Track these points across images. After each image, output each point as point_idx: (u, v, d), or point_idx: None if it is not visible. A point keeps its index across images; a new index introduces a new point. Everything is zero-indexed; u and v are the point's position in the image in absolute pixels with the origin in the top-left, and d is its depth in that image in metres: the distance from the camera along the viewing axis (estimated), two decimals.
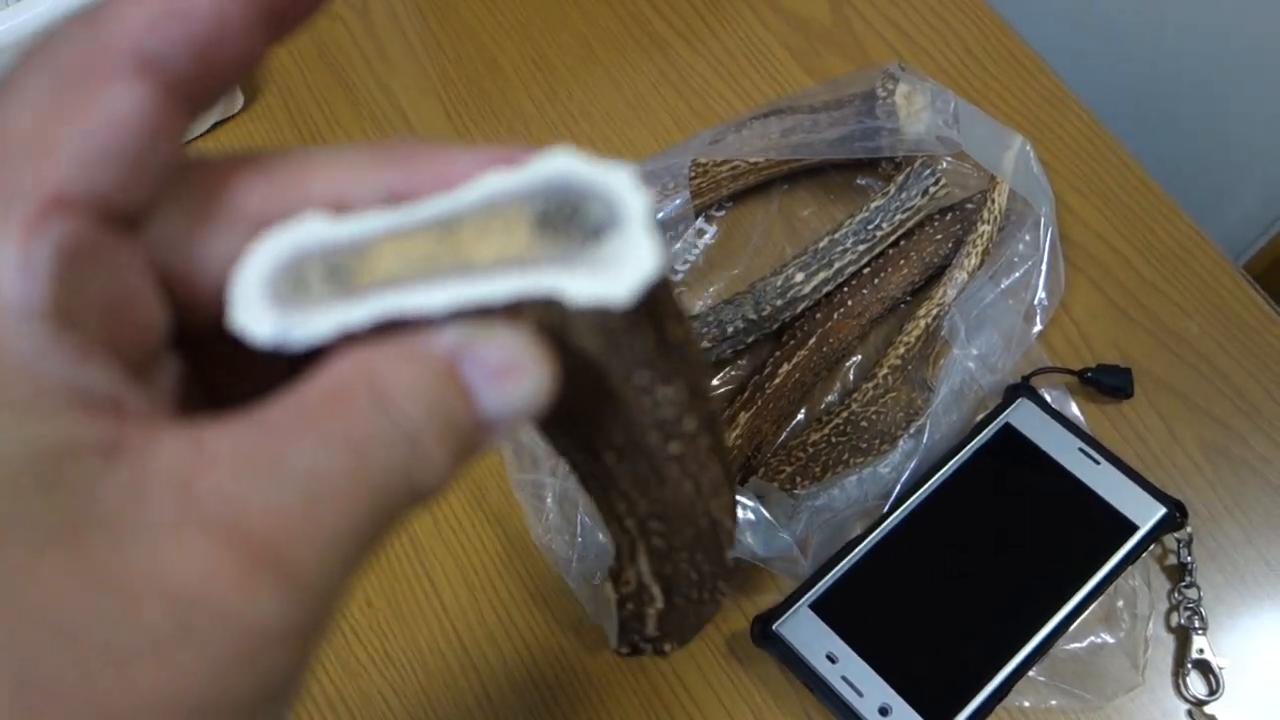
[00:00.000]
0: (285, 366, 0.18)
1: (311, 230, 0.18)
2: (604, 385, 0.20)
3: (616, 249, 0.17)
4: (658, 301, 0.19)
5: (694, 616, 0.29)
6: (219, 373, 0.20)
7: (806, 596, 0.50)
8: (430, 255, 0.18)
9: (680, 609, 0.28)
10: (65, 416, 0.16)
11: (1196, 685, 0.50)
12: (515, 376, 0.18)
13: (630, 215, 0.17)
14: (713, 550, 0.26)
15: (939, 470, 0.53)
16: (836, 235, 0.57)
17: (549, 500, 0.52)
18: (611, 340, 0.19)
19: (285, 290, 0.18)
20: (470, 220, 0.18)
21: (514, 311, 0.18)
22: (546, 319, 0.18)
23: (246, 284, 0.18)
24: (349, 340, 0.18)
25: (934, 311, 0.56)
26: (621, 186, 0.18)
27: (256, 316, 0.18)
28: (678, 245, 0.60)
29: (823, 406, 0.57)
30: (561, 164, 0.18)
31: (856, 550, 0.51)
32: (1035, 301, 0.57)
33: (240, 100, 0.68)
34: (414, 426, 0.17)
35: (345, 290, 0.18)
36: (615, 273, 0.17)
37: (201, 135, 0.67)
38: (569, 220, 0.18)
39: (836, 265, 0.56)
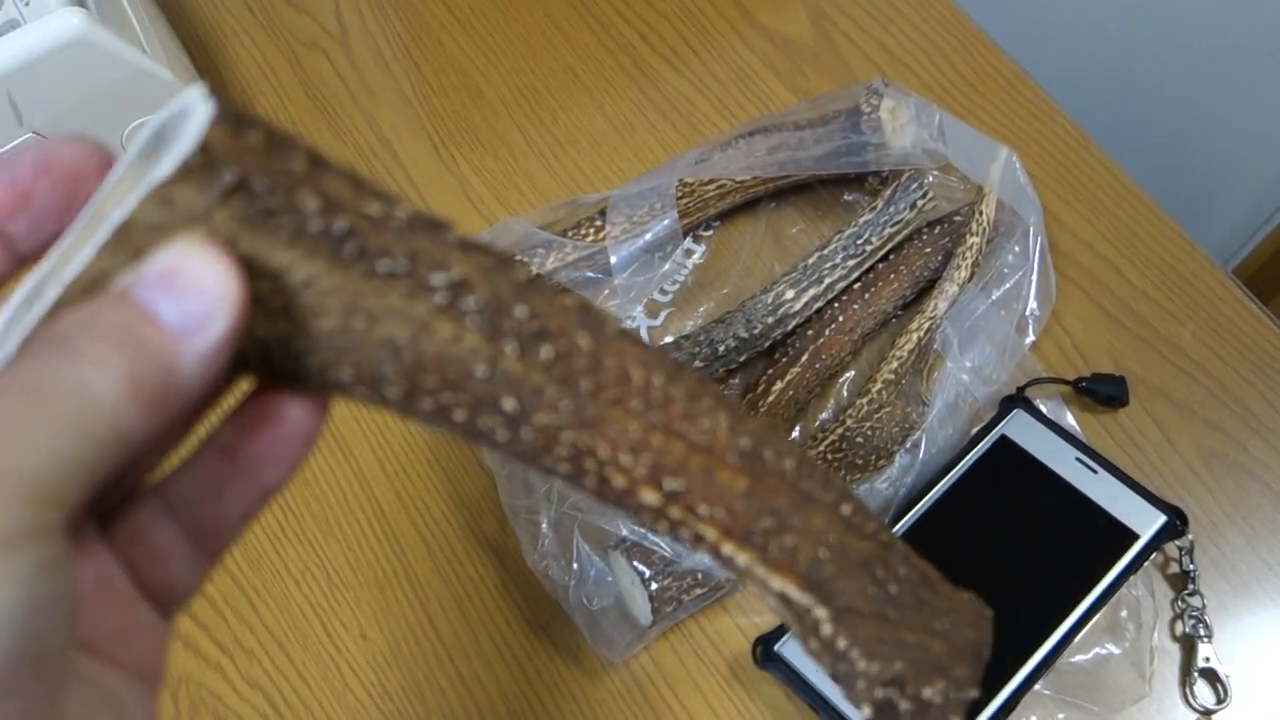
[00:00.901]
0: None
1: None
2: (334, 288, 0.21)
3: (184, 126, 0.19)
4: (261, 157, 0.20)
5: None
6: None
7: None
8: (82, 238, 0.21)
9: None
10: None
11: (1204, 694, 0.50)
12: (181, 279, 0.19)
13: (190, 104, 0.19)
14: None
15: (936, 484, 0.52)
16: (826, 251, 0.57)
17: (544, 525, 0.51)
18: (268, 222, 0.20)
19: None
20: (110, 202, 0.21)
21: (152, 230, 0.19)
22: (188, 218, 0.20)
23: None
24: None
25: (926, 325, 0.56)
26: (187, 103, 0.20)
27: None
28: (666, 266, 0.60)
29: (817, 424, 0.57)
30: (161, 116, 0.21)
31: None
32: (1027, 312, 0.57)
33: None
34: (88, 356, 0.19)
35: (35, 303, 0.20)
36: (183, 138, 0.19)
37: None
38: (158, 147, 0.20)
39: (827, 281, 0.56)
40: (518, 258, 0.25)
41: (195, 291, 0.19)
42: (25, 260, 0.22)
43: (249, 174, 0.19)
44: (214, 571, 0.24)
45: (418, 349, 0.22)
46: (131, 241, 0.20)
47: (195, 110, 0.19)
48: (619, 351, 0.23)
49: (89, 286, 0.20)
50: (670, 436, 0.24)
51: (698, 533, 0.25)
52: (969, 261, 0.56)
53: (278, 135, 0.20)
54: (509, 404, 0.22)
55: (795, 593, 0.26)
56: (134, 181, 0.20)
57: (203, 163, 0.19)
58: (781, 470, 0.25)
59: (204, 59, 0.71)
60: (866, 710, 0.27)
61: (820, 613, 0.26)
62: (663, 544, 0.48)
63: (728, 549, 0.25)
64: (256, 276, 0.20)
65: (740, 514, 0.25)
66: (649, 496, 0.24)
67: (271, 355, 0.21)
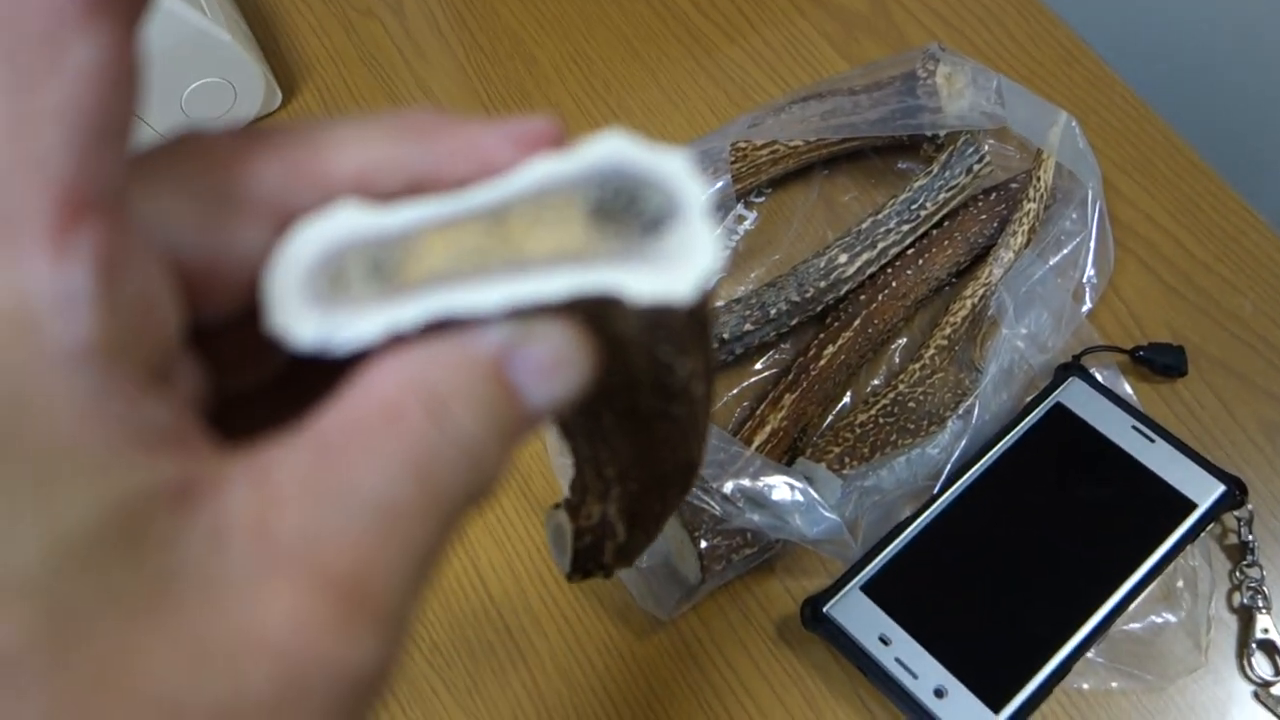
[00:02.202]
0: (291, 358, 0.18)
1: (350, 221, 0.17)
2: (625, 360, 0.19)
3: (677, 242, 0.16)
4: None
5: (645, 540, 0.29)
6: (227, 369, 0.19)
7: (857, 578, 0.49)
8: (480, 248, 0.17)
9: (638, 540, 0.28)
10: (132, 465, 0.14)
11: (1262, 666, 0.49)
12: (561, 371, 0.17)
13: (689, 205, 0.16)
14: (686, 483, 0.26)
15: (989, 450, 0.52)
16: (880, 216, 0.56)
17: None
18: (651, 325, 0.18)
19: (325, 288, 0.17)
20: (520, 210, 0.17)
21: (568, 308, 0.17)
22: (596, 310, 0.17)
23: (284, 282, 0.17)
24: (392, 341, 0.17)
25: (980, 291, 0.55)
26: (679, 173, 0.17)
27: (298, 318, 0.17)
28: (717, 231, 0.60)
29: (869, 389, 0.56)
30: (615, 148, 0.17)
31: (907, 531, 0.50)
32: (1084, 279, 0.56)
33: (279, 97, 0.68)
34: (472, 439, 0.16)
35: (390, 287, 0.17)
36: (677, 268, 0.16)
37: None
38: (625, 210, 0.17)
39: (880, 246, 0.56)
40: None
41: (566, 387, 0.18)
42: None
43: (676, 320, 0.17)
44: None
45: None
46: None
47: (690, 212, 0.16)
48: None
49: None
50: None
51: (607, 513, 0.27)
52: (1025, 227, 0.56)
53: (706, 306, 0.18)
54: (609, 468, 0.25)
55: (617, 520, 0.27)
56: (569, 225, 0.17)
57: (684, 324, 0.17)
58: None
59: (260, 24, 0.72)
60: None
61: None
62: (712, 502, 0.48)
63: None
64: None
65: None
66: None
67: None
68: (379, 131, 0.18)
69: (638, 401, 0.21)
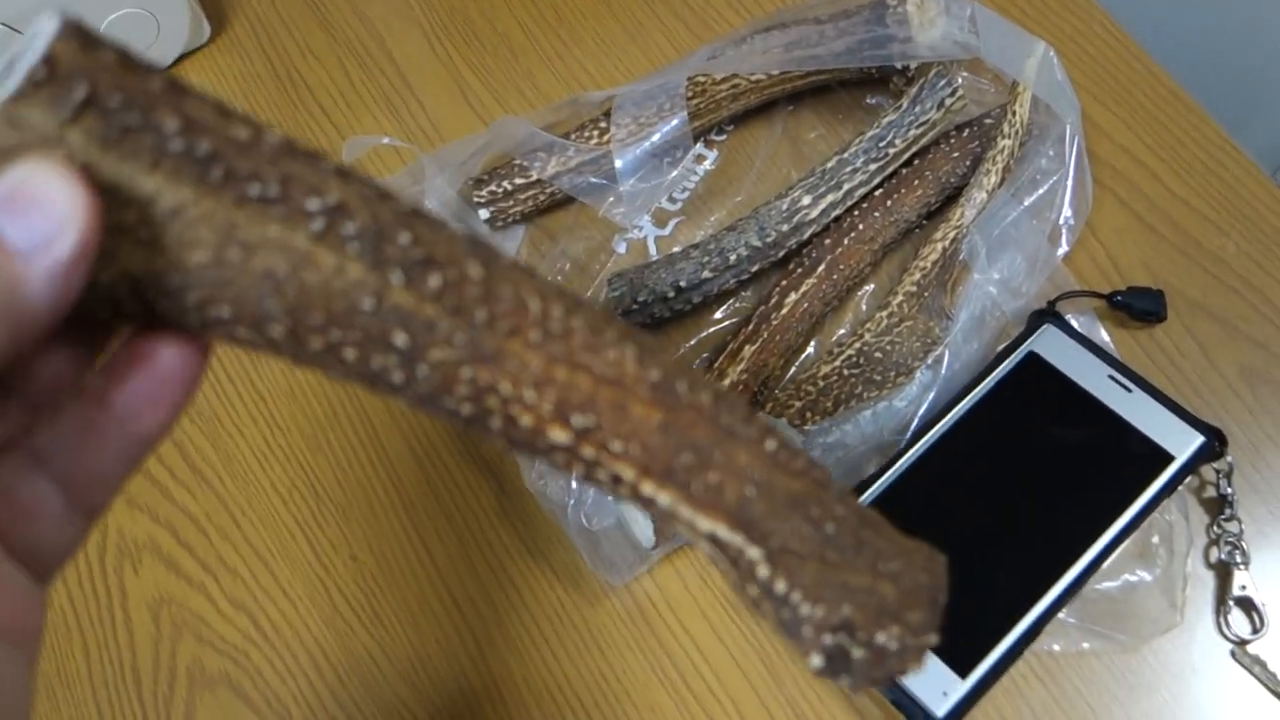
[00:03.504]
0: None
1: None
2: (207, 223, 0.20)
3: (34, 46, 0.19)
4: (111, 75, 0.19)
5: None
6: None
7: None
8: None
9: None
10: None
11: (1239, 623, 0.47)
12: (25, 197, 0.18)
13: (41, 26, 0.19)
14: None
15: (959, 402, 0.49)
16: (845, 155, 0.53)
17: None
18: (126, 144, 0.19)
19: None
20: None
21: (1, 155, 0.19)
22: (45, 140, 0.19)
23: None
24: None
25: (951, 234, 0.52)
26: (40, 20, 0.19)
27: None
28: (675, 172, 0.57)
29: (834, 339, 0.53)
30: (17, 44, 0.19)
31: (871, 489, 0.47)
32: (1060, 221, 0.53)
33: (207, 31, 0.64)
34: None
35: None
36: (30, 56, 0.18)
37: (167, 69, 0.63)
38: (9, 72, 0.19)
39: (846, 187, 0.52)
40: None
41: (40, 209, 0.18)
42: None
43: (100, 90, 0.19)
44: (90, 531, 0.23)
45: (300, 282, 0.20)
46: None
47: (44, 29, 0.19)
48: (513, 280, 0.22)
49: None
50: (575, 369, 0.23)
51: (615, 473, 0.23)
52: (1000, 166, 0.53)
53: (133, 56, 0.19)
54: (400, 339, 0.21)
55: (725, 533, 0.24)
56: None
57: (50, 77, 0.18)
58: (698, 404, 0.24)
59: None
60: (816, 660, 0.25)
61: (754, 553, 0.25)
62: None
63: (648, 488, 0.24)
64: (121, 204, 0.19)
65: (657, 450, 0.23)
66: (558, 434, 0.23)
67: (145, 293, 0.20)
68: None
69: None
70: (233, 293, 0.20)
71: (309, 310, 0.21)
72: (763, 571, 0.25)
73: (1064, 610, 0.45)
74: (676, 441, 0.23)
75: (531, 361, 0.22)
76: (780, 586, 0.25)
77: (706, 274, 0.51)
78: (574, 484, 0.47)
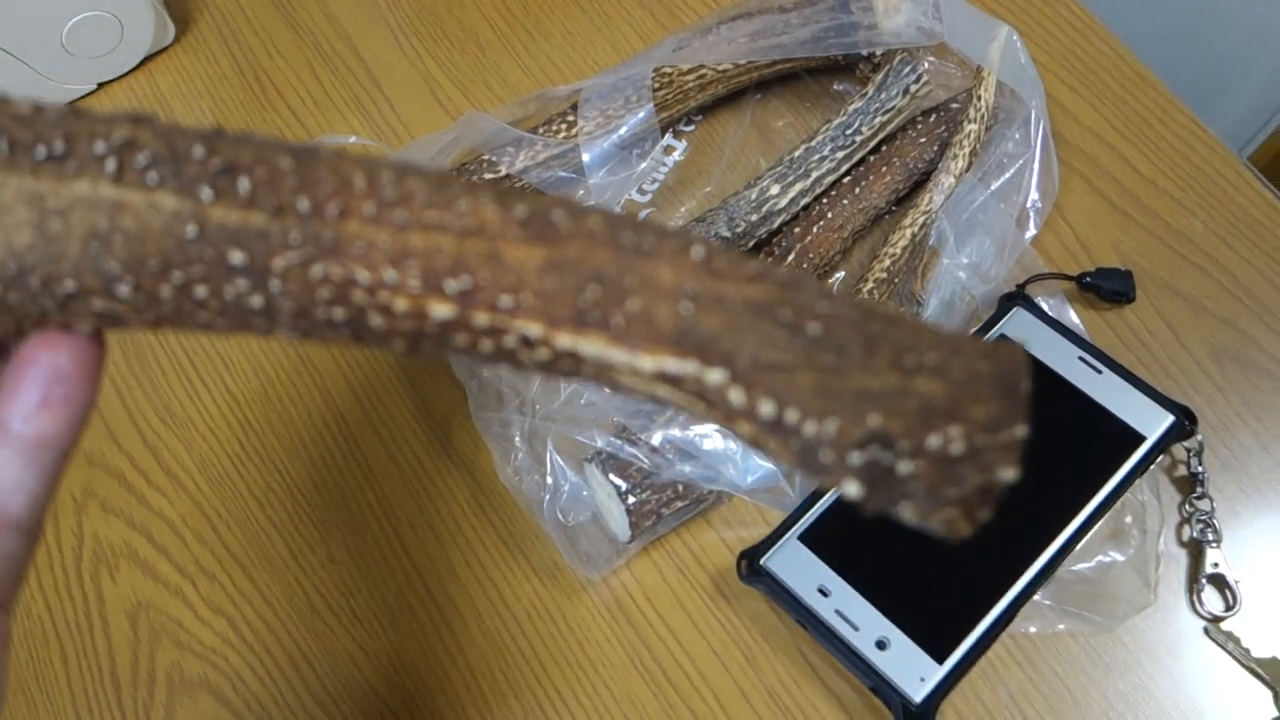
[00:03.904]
0: None
1: None
2: None
3: None
4: None
5: None
6: None
7: (795, 528, 0.47)
8: None
9: None
10: None
11: (1212, 601, 0.47)
12: None
13: None
14: None
15: None
16: (813, 143, 0.53)
17: (516, 439, 0.48)
18: None
19: None
20: None
21: None
22: None
23: None
24: None
25: (920, 220, 0.52)
26: None
27: None
28: (644, 164, 0.56)
29: None
30: None
31: None
32: (1028, 204, 0.53)
33: (172, 32, 0.63)
34: None
35: None
36: None
37: (131, 71, 0.63)
38: None
39: (814, 175, 0.52)
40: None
41: None
42: None
43: None
44: (34, 551, 0.22)
45: (123, 232, 0.20)
46: None
47: None
48: (329, 163, 0.21)
49: None
50: (428, 232, 0.21)
51: (522, 334, 0.21)
52: (966, 150, 0.53)
53: None
54: (238, 257, 0.20)
55: (673, 364, 0.21)
56: None
57: None
58: (585, 230, 0.21)
59: None
60: (851, 487, 0.21)
61: (715, 377, 0.21)
62: (641, 455, 0.46)
63: (564, 340, 0.21)
64: None
65: (552, 292, 0.21)
66: (441, 309, 0.21)
67: None
68: None
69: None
70: (69, 264, 0.20)
71: (144, 258, 0.20)
72: (736, 396, 0.21)
73: (1039, 592, 0.46)
74: (573, 277, 0.21)
75: (377, 237, 0.21)
76: (766, 409, 0.21)
77: None
78: (549, 479, 0.47)
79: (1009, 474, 0.21)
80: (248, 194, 0.20)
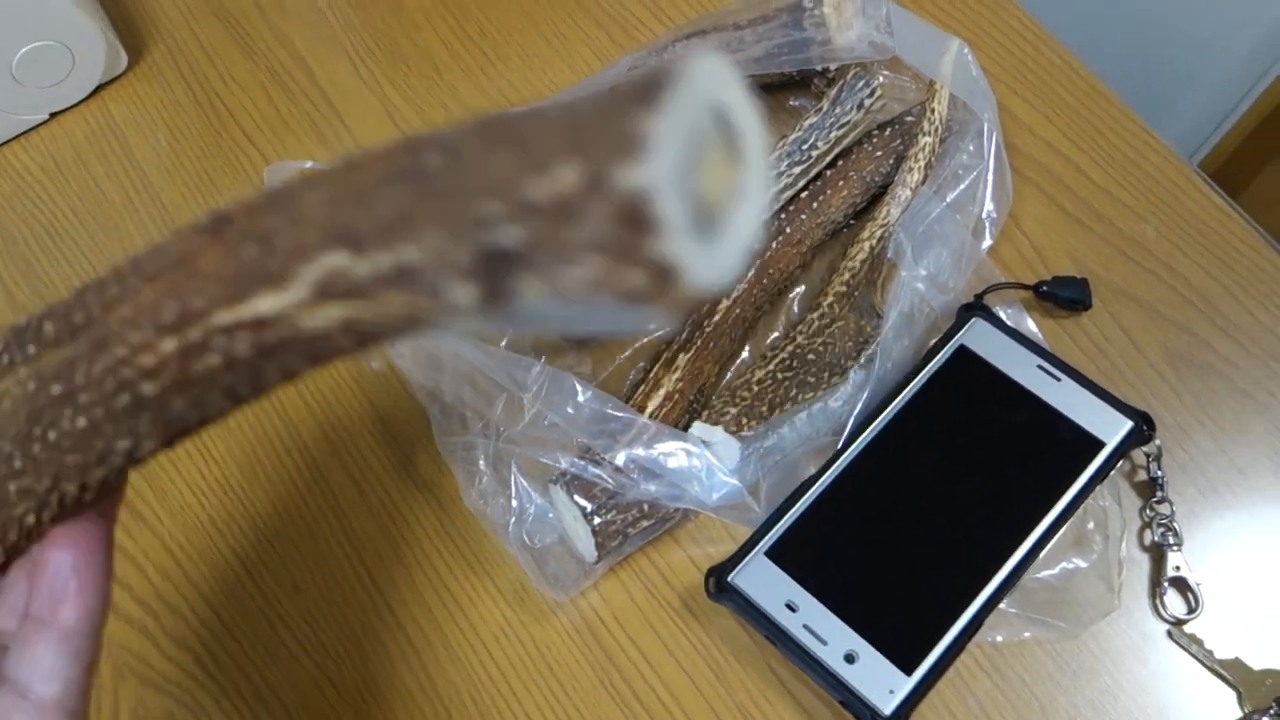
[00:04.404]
0: None
1: None
2: None
3: None
4: None
5: None
6: None
7: (761, 544, 0.47)
8: None
9: None
10: None
11: (1175, 604, 0.48)
12: None
13: None
14: None
15: (893, 399, 0.50)
16: (770, 159, 0.53)
17: (481, 462, 0.48)
18: None
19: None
20: None
21: None
22: None
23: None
24: None
25: (878, 233, 0.53)
26: None
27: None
28: None
29: (767, 342, 0.54)
30: None
31: (811, 491, 0.48)
32: (983, 215, 0.54)
33: (123, 59, 0.63)
34: None
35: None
36: None
37: (84, 100, 0.63)
38: None
39: (771, 191, 0.53)
40: None
41: None
42: None
43: None
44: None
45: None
46: None
47: None
48: (106, 273, 0.24)
49: None
50: (153, 282, 0.23)
51: (234, 321, 0.21)
52: (922, 163, 0.53)
53: None
54: (56, 389, 0.24)
55: (312, 270, 0.20)
56: None
57: None
58: (249, 205, 0.22)
59: None
60: (461, 294, 0.19)
61: (339, 260, 0.20)
62: (605, 475, 0.46)
63: (247, 310, 0.21)
64: None
65: (221, 270, 0.22)
66: (169, 343, 0.22)
67: None
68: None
69: None
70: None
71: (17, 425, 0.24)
72: (363, 267, 0.20)
73: (1005, 601, 0.46)
74: (239, 249, 0.21)
75: (122, 311, 0.23)
76: (385, 260, 0.19)
77: None
78: (514, 503, 0.47)
79: (635, 176, 0.17)
80: (51, 335, 0.24)
